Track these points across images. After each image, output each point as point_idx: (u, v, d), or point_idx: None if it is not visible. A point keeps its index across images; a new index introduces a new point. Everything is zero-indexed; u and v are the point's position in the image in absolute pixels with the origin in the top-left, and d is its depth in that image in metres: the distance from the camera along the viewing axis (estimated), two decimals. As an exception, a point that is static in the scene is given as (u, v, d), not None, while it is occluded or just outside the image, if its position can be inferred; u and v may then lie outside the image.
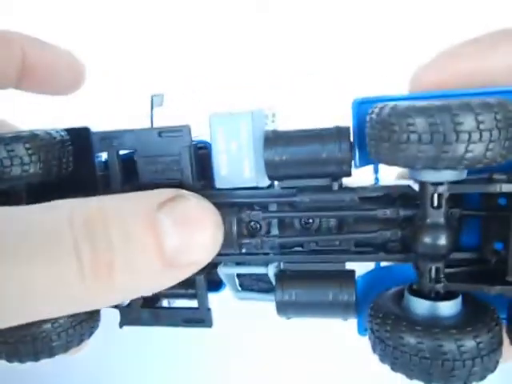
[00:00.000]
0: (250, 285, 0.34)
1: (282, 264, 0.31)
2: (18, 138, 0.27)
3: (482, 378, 0.24)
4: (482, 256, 0.28)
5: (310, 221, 0.30)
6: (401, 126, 0.22)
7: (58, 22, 0.43)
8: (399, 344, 0.24)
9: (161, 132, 0.29)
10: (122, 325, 0.34)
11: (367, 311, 0.29)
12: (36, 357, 0.30)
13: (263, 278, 0.33)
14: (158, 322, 0.33)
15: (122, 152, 0.31)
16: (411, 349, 0.24)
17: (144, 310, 0.33)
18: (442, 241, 0.25)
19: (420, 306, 0.25)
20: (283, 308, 0.30)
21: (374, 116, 0.23)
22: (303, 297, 0.29)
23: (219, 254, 0.31)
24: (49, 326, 0.29)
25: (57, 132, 0.30)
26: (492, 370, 0.24)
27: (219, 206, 0.29)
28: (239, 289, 0.34)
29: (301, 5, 0.41)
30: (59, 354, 0.30)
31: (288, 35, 0.38)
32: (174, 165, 0.30)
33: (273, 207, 0.30)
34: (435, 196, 0.24)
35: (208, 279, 0.32)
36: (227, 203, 0.29)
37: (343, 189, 0.28)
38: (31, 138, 0.28)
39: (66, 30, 0.38)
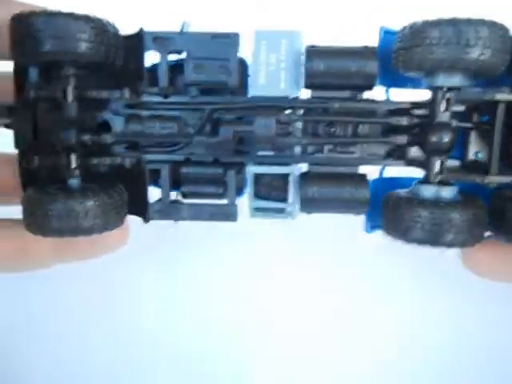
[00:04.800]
0: (266, 193, 0.38)
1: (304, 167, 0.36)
2: (76, 15, 0.29)
3: (463, 245, 0.31)
4: (463, 164, 0.35)
5: (332, 129, 0.35)
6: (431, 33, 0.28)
7: None
8: (414, 217, 0.30)
9: (213, 36, 0.33)
10: (149, 219, 0.36)
11: (374, 211, 0.35)
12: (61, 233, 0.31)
13: (279, 186, 0.38)
14: (186, 217, 0.36)
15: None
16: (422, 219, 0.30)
17: (173, 205, 0.36)
18: (447, 138, 0.31)
19: (427, 190, 0.32)
20: (307, 204, 0.35)
21: (406, 29, 0.30)
22: (325, 193, 0.35)
23: (250, 154, 0.35)
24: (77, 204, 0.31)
25: (111, 23, 0.32)
26: (473, 242, 0.31)
27: (261, 107, 0.34)
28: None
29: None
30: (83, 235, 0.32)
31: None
32: (221, 68, 0.34)
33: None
34: (444, 101, 0.31)
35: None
36: (266, 105, 0.34)
37: (366, 99, 0.34)
38: (88, 17, 0.30)
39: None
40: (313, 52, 0.33)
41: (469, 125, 0.34)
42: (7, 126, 0.35)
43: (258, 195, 0.38)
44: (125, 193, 0.34)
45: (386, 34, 0.33)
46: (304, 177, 0.35)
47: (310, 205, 0.35)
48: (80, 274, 0.45)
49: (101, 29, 0.30)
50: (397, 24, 0.33)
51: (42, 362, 0.48)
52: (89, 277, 0.48)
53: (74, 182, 0.33)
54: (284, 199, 0.38)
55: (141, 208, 0.36)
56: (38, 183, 0.35)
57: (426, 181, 0.32)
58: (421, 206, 0.30)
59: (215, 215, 0.36)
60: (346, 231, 0.42)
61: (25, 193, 0.33)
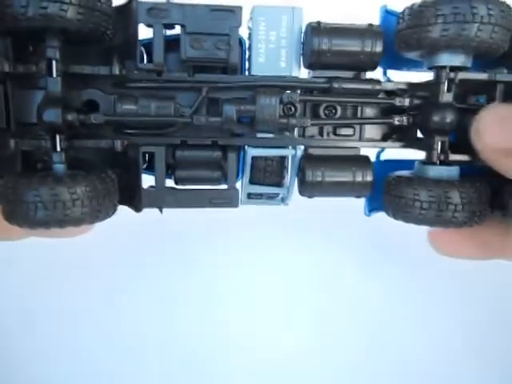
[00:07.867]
0: (261, 178, 0.37)
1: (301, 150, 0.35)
2: None
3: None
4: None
5: (333, 111, 0.35)
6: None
7: None
8: (413, 196, 0.31)
9: (213, 9, 0.31)
10: (142, 207, 0.33)
11: (372, 194, 0.35)
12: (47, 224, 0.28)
13: (275, 171, 0.36)
14: (183, 204, 0.33)
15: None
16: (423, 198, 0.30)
17: (169, 191, 0.33)
18: (450, 118, 0.32)
19: (430, 170, 0.32)
20: (310, 187, 0.34)
21: (410, 9, 0.30)
22: (330, 177, 0.34)
23: (249, 137, 0.34)
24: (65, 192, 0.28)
25: None
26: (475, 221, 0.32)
27: (262, 87, 0.32)
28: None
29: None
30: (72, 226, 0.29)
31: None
32: (221, 44, 0.31)
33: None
34: (446, 81, 0.31)
35: None
36: (269, 85, 0.32)
37: (369, 79, 0.33)
38: None
39: None
40: (316, 29, 0.32)
41: (466, 106, 0.34)
42: None
43: (251, 181, 0.37)
44: (116, 179, 0.31)
45: (387, 13, 0.33)
46: (305, 159, 0.34)
47: (314, 188, 0.34)
48: (78, 274, 0.44)
49: None
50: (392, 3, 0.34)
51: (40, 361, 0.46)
52: (88, 277, 0.46)
53: (61, 167, 0.29)
54: (279, 184, 0.37)
55: (133, 195, 0.33)
56: (12, 171, 0.31)
57: (428, 162, 0.33)
58: (423, 185, 0.31)
59: (215, 201, 0.34)
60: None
61: (2, 180, 0.29)
